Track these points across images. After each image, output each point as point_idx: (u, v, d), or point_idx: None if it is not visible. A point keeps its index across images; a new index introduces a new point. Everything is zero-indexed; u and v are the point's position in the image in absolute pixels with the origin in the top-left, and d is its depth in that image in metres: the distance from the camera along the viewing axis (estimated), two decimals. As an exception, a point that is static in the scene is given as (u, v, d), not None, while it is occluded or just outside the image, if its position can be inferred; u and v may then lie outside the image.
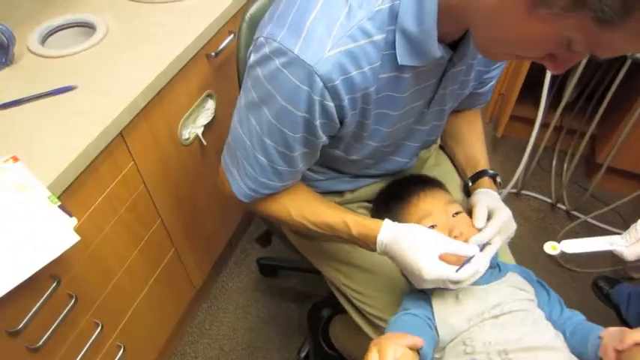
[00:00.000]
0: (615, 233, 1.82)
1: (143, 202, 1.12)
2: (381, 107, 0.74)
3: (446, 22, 0.63)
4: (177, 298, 1.43)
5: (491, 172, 0.95)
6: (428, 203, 0.88)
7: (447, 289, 0.78)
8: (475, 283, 0.83)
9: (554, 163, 2.09)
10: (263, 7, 0.97)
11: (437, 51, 0.65)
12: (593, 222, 1.87)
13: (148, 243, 1.17)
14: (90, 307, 1.03)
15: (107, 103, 0.95)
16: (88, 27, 1.17)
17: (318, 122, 0.69)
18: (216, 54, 1.21)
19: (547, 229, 1.91)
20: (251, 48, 0.70)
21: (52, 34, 1.17)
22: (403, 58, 0.66)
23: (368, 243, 0.80)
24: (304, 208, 0.85)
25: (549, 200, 1.98)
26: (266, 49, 0.65)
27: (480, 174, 0.95)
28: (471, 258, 0.74)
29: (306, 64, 0.62)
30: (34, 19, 1.17)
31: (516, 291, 0.82)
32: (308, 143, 0.73)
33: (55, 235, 0.74)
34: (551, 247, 0.80)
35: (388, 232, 0.77)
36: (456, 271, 0.72)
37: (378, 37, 0.64)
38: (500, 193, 0.92)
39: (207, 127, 1.28)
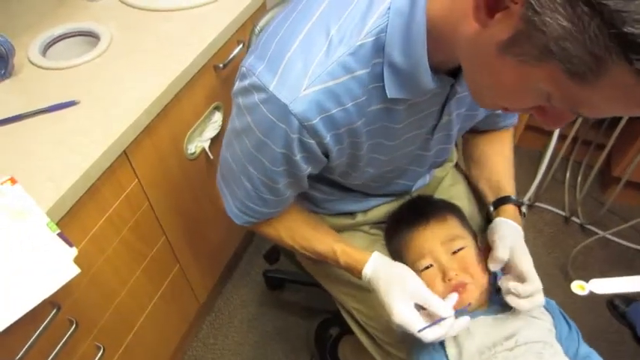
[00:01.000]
0: (633, 249, 1.80)
1: (147, 220, 1.07)
2: (375, 137, 0.70)
3: (437, 52, 0.58)
4: (181, 314, 1.39)
5: (516, 200, 0.89)
6: (427, 240, 0.83)
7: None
8: (487, 313, 0.78)
9: (567, 174, 2.03)
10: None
11: (429, 83, 0.60)
12: (611, 237, 1.81)
13: (151, 261, 1.13)
14: (91, 330, 0.99)
15: (110, 120, 0.91)
16: (92, 36, 1.13)
17: (298, 157, 0.66)
18: (224, 65, 1.16)
19: (561, 243, 1.85)
20: (237, 74, 0.67)
21: (53, 44, 1.12)
22: (392, 91, 0.61)
23: (354, 274, 0.81)
24: (295, 231, 0.85)
25: (563, 213, 1.93)
26: (246, 82, 0.63)
27: (504, 200, 0.89)
28: (441, 320, 0.70)
29: (280, 103, 0.59)
30: (34, 28, 1.13)
31: (533, 320, 0.77)
32: (291, 175, 0.70)
33: (54, 267, 0.69)
34: (578, 287, 0.74)
35: (371, 267, 0.78)
36: (419, 330, 0.69)
37: (361, 71, 0.60)
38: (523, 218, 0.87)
39: (214, 140, 1.23)
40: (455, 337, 0.75)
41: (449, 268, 0.79)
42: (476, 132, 0.99)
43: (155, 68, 1.02)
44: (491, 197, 0.92)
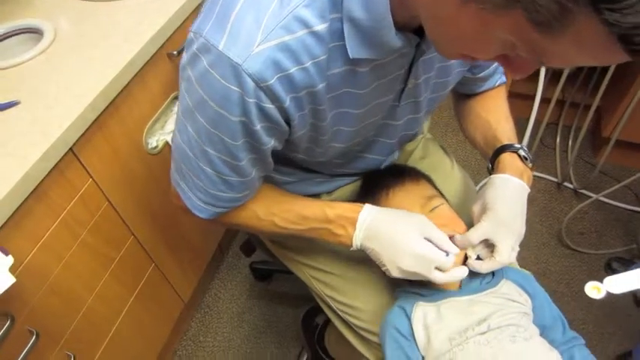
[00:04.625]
0: (629, 211, 1.75)
1: (109, 221, 1.02)
2: (339, 106, 0.64)
3: (400, 8, 0.53)
4: (163, 315, 1.35)
5: (513, 146, 0.80)
6: (401, 198, 0.79)
7: (427, 300, 0.70)
8: (460, 293, 0.73)
9: (557, 139, 1.98)
10: None
11: (395, 40, 0.55)
12: (605, 200, 1.76)
13: (121, 263, 1.08)
14: (57, 339, 0.95)
15: (53, 118, 0.85)
16: (36, 32, 1.07)
17: (258, 127, 0.59)
18: (179, 52, 1.10)
19: (554, 210, 1.80)
20: (184, 44, 0.60)
21: (-3, 44, 1.07)
22: (355, 50, 0.56)
23: (346, 226, 0.73)
24: (272, 205, 0.77)
25: (555, 179, 1.88)
26: (194, 47, 0.57)
27: (501, 150, 0.81)
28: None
29: (232, 62, 0.53)
30: (-24, 29, 1.07)
31: (508, 302, 0.72)
32: (253, 149, 0.64)
33: (-14, 278, 0.65)
34: (593, 289, 0.67)
35: (367, 211, 0.72)
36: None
37: (320, 26, 0.54)
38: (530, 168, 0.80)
39: (178, 132, 1.18)
40: (424, 324, 0.70)
41: None
42: (466, 96, 0.94)
43: (102, 61, 0.96)
44: (488, 152, 0.84)
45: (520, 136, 1.70)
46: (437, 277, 0.68)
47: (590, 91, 1.84)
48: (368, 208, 0.73)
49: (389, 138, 0.82)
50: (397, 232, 0.69)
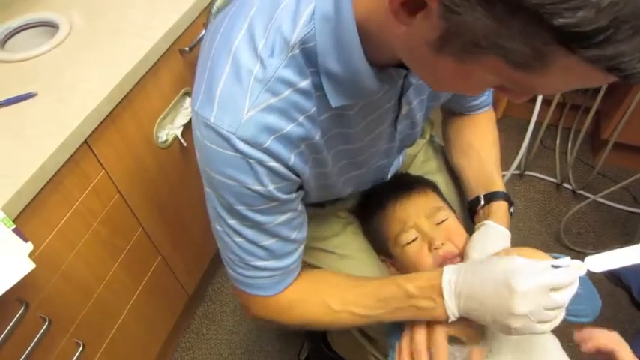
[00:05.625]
0: (626, 212, 1.77)
1: (120, 212, 1.05)
2: (335, 146, 0.65)
3: (376, 51, 0.52)
4: (168, 307, 1.37)
5: (507, 194, 0.82)
6: (407, 212, 0.80)
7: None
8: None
9: (557, 141, 2.00)
10: (230, -3, 0.89)
11: (374, 85, 0.55)
12: (602, 201, 1.79)
13: (129, 254, 1.11)
14: (68, 327, 0.97)
15: (69, 109, 0.88)
16: (51, 26, 1.09)
17: (271, 188, 0.59)
18: (191, 49, 1.12)
19: (553, 210, 1.83)
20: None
21: (12, 36, 1.09)
22: (336, 100, 0.56)
23: (433, 296, 0.65)
24: (344, 293, 0.71)
25: (554, 180, 1.90)
26: (194, 126, 0.58)
27: (495, 195, 0.82)
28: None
29: (225, 133, 0.54)
30: (-8, 21, 1.09)
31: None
32: (280, 211, 0.64)
33: (8, 262, 0.67)
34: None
35: (454, 271, 0.64)
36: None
37: (303, 82, 0.54)
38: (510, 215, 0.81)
39: (187, 127, 1.20)
40: None
41: (434, 237, 0.77)
42: (456, 115, 0.95)
43: (116, 55, 0.98)
44: (480, 189, 0.85)
45: (520, 137, 1.74)
46: (564, 295, 0.58)
47: (589, 95, 1.87)
48: (449, 270, 0.65)
49: (389, 157, 0.83)
50: (495, 279, 0.60)
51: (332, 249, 0.89)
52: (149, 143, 1.10)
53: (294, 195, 0.64)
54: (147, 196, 1.14)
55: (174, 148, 1.19)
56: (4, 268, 0.67)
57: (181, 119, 1.19)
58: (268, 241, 0.65)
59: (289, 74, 0.53)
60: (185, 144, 1.20)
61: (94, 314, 1.03)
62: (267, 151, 0.56)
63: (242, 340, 1.55)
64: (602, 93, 1.58)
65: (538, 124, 1.67)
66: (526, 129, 1.64)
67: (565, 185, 1.88)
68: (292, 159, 0.59)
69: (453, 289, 0.63)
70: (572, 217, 1.73)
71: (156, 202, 1.18)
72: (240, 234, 0.64)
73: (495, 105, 1.62)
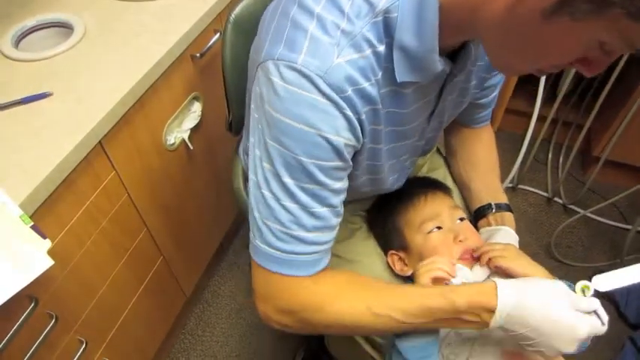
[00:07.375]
0: (614, 227, 1.82)
1: (127, 212, 1.06)
2: (388, 124, 0.68)
3: (448, 34, 0.57)
4: (167, 307, 1.38)
5: (510, 208, 0.92)
6: (434, 205, 0.87)
7: None
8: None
9: (549, 156, 2.05)
10: (248, 7, 0.91)
11: (438, 66, 0.60)
12: (592, 216, 1.84)
13: (133, 254, 1.12)
14: (72, 324, 0.98)
15: (85, 111, 0.90)
16: (65, 27, 1.11)
17: (342, 141, 0.60)
18: (202, 55, 1.15)
19: (544, 224, 1.88)
20: (253, 83, 0.63)
21: (26, 36, 1.10)
22: (402, 75, 0.60)
23: (480, 314, 0.65)
24: (388, 298, 0.68)
25: (545, 194, 1.95)
26: (268, 76, 0.58)
27: (503, 206, 0.92)
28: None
29: (313, 75, 0.55)
30: (7, 20, 1.10)
31: None
32: (338, 174, 0.64)
33: (27, 259, 0.68)
34: (582, 288, 0.70)
35: (510, 290, 0.65)
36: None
37: (380, 47, 0.58)
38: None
39: (194, 130, 1.22)
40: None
41: (458, 231, 0.84)
42: (459, 126, 1.01)
43: (130, 59, 1.00)
44: (490, 198, 0.93)
45: (514, 151, 1.78)
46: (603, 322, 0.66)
47: (582, 112, 1.92)
48: (505, 290, 0.65)
49: (413, 156, 0.87)
50: (551, 315, 0.64)
51: (340, 254, 0.92)
52: (158, 146, 1.12)
53: (350, 164, 0.65)
54: (152, 197, 1.15)
55: (180, 151, 1.21)
56: (24, 264, 0.68)
57: (189, 122, 1.21)
58: (320, 209, 0.63)
59: (372, 36, 0.57)
60: (192, 147, 1.22)
61: (97, 312, 1.04)
62: (346, 99, 0.58)
63: (237, 344, 1.57)
64: (594, 112, 1.63)
65: (532, 139, 1.72)
66: (519, 143, 1.69)
67: (556, 199, 1.93)
68: (363, 115, 0.61)
69: (507, 313, 0.64)
70: (562, 231, 1.78)
71: (160, 203, 1.19)
72: (293, 196, 0.61)
73: (491, 120, 1.66)
